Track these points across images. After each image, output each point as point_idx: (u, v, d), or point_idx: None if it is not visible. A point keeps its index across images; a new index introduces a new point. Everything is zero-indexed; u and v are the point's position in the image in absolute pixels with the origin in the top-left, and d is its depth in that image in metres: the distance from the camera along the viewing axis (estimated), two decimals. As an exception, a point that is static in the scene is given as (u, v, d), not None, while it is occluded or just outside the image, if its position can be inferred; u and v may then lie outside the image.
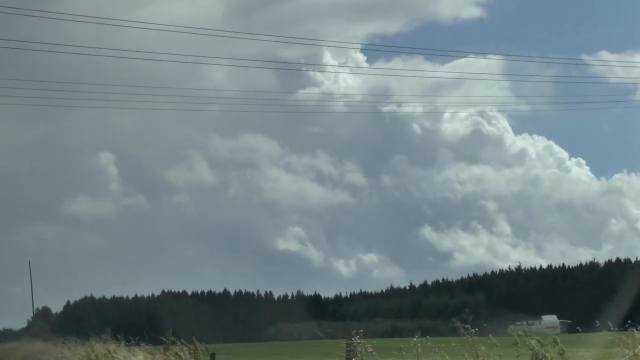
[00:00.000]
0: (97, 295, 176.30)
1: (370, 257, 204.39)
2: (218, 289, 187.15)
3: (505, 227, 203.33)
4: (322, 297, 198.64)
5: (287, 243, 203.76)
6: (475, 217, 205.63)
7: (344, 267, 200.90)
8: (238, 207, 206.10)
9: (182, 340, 36.14)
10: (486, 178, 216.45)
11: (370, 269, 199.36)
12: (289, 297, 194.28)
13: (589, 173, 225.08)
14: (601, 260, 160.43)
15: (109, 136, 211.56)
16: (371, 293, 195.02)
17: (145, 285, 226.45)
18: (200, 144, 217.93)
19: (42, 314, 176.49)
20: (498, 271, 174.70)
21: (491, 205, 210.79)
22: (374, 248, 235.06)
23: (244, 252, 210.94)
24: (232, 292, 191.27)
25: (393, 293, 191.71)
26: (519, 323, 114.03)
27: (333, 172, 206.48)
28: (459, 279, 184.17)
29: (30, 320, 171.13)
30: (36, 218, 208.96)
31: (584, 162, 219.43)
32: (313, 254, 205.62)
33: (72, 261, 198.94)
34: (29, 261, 53.13)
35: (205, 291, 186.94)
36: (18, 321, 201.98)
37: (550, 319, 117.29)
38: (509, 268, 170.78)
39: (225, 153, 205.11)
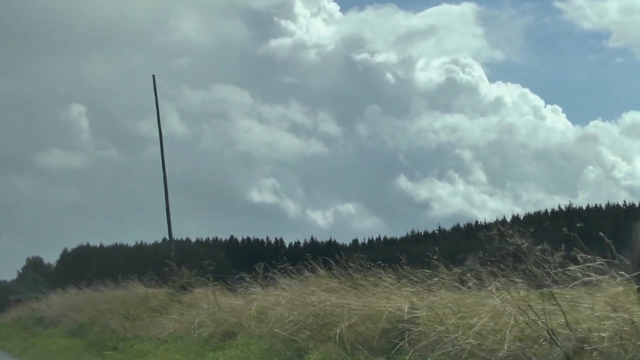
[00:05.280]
0: (92, 244, 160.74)
1: (347, 208, 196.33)
2: (215, 236, 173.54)
3: (481, 176, 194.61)
4: (339, 243, 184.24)
5: (263, 195, 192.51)
6: (450, 166, 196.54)
7: (321, 218, 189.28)
8: (211, 158, 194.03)
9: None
10: (461, 127, 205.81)
11: (348, 220, 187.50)
12: (301, 245, 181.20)
13: (566, 120, 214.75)
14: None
15: (79, 88, 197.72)
16: (393, 238, 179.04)
17: (129, 235, 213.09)
18: (171, 95, 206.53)
19: (34, 265, 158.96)
20: (550, 211, 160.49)
21: (466, 154, 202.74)
22: (351, 198, 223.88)
23: (220, 204, 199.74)
24: (239, 239, 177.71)
25: (417, 238, 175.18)
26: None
27: (306, 122, 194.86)
28: (496, 220, 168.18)
29: (21, 271, 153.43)
30: (8, 171, 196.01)
31: (560, 109, 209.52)
32: (289, 205, 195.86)
33: (50, 214, 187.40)
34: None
35: (211, 238, 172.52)
36: (5, 272, 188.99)
37: None
38: (569, 206, 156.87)
39: (197, 104, 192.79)
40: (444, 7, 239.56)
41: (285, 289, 16.67)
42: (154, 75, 36.14)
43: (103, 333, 26.59)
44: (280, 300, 16.17)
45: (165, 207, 34.09)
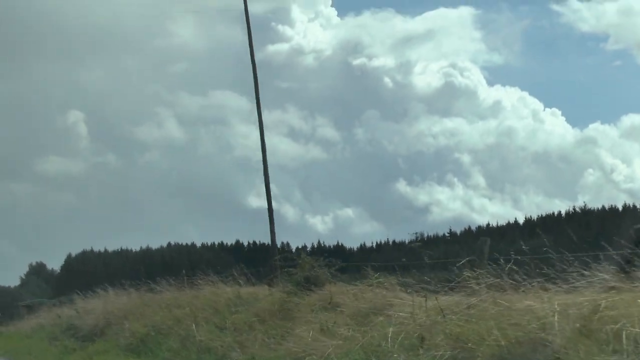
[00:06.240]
0: (96, 249, 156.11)
1: (346, 213, 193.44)
2: (221, 240, 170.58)
3: (480, 180, 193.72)
4: (347, 247, 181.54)
5: (261, 200, 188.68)
6: (449, 170, 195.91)
7: (320, 223, 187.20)
8: (209, 164, 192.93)
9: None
10: (459, 131, 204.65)
11: (348, 224, 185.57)
12: (309, 248, 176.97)
13: (565, 123, 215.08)
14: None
15: (77, 94, 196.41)
16: (402, 242, 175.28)
17: (130, 240, 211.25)
18: (169, 101, 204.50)
19: (37, 270, 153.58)
20: (564, 213, 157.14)
21: (465, 158, 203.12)
22: (350, 203, 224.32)
23: (218, 209, 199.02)
24: (244, 244, 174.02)
25: (430, 241, 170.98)
26: None
27: (304, 127, 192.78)
28: (508, 223, 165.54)
29: (24, 277, 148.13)
30: (6, 177, 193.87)
31: (559, 112, 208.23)
32: (288, 210, 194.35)
33: (49, 220, 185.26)
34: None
35: (216, 243, 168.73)
36: (5, 279, 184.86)
37: None
38: (584, 207, 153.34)
39: (194, 110, 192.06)
40: (442, 10, 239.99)
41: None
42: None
43: (184, 350, 19.52)
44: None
45: (265, 188, 28.46)
